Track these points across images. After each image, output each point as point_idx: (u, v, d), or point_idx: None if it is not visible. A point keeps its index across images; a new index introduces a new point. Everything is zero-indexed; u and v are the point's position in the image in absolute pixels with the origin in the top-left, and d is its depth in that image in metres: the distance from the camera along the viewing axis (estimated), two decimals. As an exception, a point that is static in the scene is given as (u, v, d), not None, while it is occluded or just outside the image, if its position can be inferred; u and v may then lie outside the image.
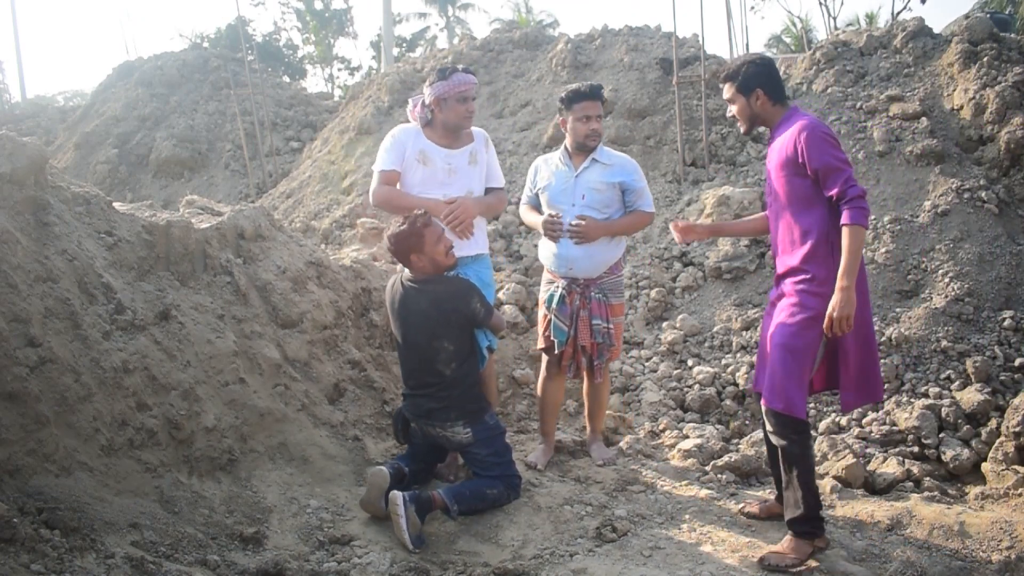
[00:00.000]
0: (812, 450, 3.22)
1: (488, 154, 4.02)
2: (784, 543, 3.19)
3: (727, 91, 3.32)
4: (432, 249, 3.52)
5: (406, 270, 3.69)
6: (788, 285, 3.19)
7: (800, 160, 3.05)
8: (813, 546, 3.15)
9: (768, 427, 3.23)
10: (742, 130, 3.38)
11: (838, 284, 2.96)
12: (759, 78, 3.22)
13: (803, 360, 3.10)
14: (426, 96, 3.82)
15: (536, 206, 4.19)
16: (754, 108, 3.25)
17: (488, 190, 4.01)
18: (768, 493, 3.73)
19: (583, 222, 3.86)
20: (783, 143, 3.14)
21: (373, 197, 3.87)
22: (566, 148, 4.05)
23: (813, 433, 4.41)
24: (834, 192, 2.99)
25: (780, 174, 3.17)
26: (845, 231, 2.96)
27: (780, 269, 3.27)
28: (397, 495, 3.29)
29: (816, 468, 3.35)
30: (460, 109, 3.79)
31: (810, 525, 3.14)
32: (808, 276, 3.10)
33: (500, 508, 3.61)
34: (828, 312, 2.97)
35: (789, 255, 3.19)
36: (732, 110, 3.35)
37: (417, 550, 3.26)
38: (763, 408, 3.22)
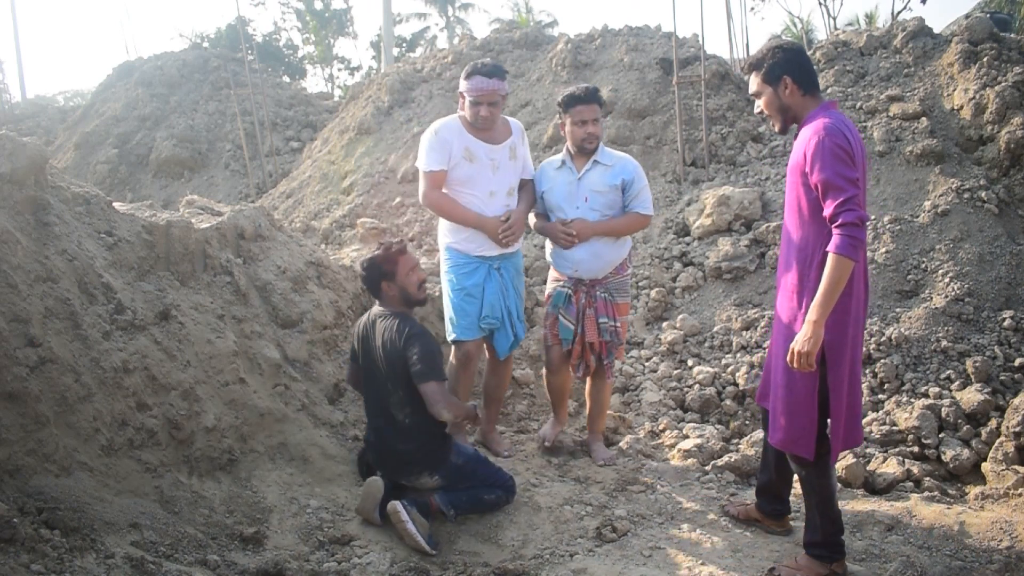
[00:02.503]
0: (831, 478, 3.02)
1: (524, 147, 4.10)
2: (800, 558, 3.09)
3: (753, 83, 3.01)
4: (404, 279, 3.42)
5: (378, 304, 3.58)
6: (780, 305, 3.03)
7: (806, 169, 2.79)
8: (829, 569, 3.01)
9: (788, 457, 3.10)
10: (775, 128, 3.05)
11: (808, 316, 2.73)
12: (787, 65, 2.90)
13: (801, 395, 2.91)
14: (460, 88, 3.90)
15: (542, 211, 4.18)
16: (784, 99, 2.92)
17: (523, 182, 4.09)
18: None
19: (573, 230, 3.88)
20: (799, 145, 2.88)
21: (425, 200, 3.89)
22: (568, 151, 4.04)
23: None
24: (828, 212, 2.71)
25: (791, 179, 2.94)
26: (828, 259, 2.68)
27: (777, 281, 3.10)
28: (396, 505, 3.25)
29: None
30: (471, 112, 3.84)
31: (827, 549, 3.02)
32: (795, 302, 2.91)
33: (501, 509, 3.62)
34: (791, 345, 2.77)
35: (783, 269, 3.02)
36: (760, 105, 3.03)
37: (435, 551, 3.23)
38: None
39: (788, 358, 2.79)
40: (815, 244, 2.84)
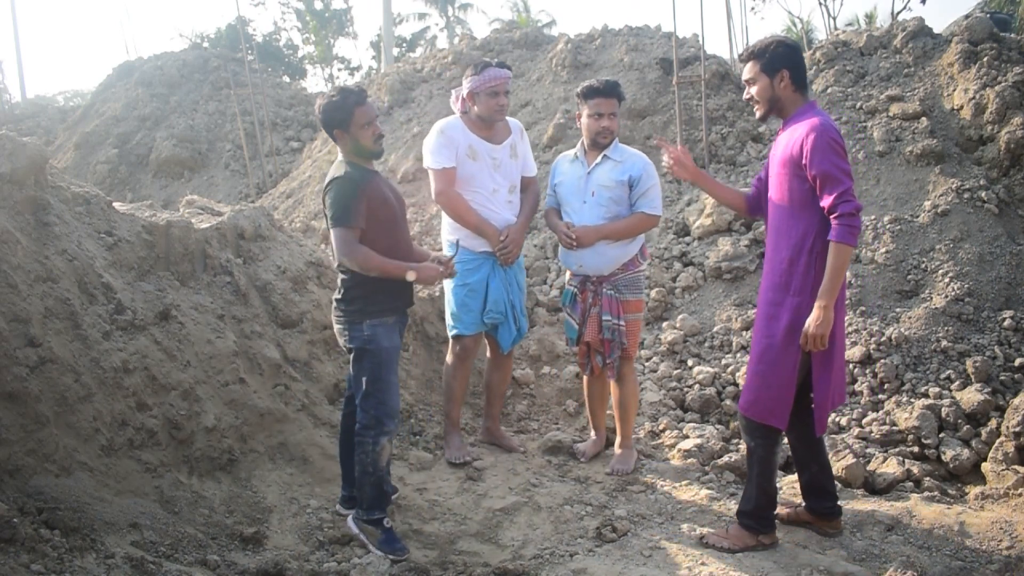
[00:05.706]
0: (776, 455, 3.24)
1: (524, 144, 4.17)
2: (730, 529, 3.30)
3: (749, 70, 3.14)
4: (358, 131, 3.21)
5: None
6: (765, 288, 3.16)
7: (803, 162, 2.93)
8: (757, 541, 3.23)
9: (740, 425, 3.26)
10: (758, 114, 3.20)
11: (817, 301, 2.90)
12: (787, 59, 3.05)
13: (779, 370, 3.07)
14: (464, 89, 3.96)
15: (556, 207, 4.17)
16: (776, 91, 3.08)
17: (524, 179, 4.16)
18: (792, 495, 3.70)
19: (574, 236, 3.87)
20: (791, 139, 3.01)
21: (441, 197, 3.95)
22: (582, 144, 4.04)
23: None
24: (827, 203, 2.88)
25: (781, 171, 3.06)
26: (831, 248, 2.87)
27: (764, 267, 3.23)
28: (348, 523, 3.36)
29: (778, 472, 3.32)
30: (491, 103, 3.90)
31: (756, 521, 3.23)
32: (783, 283, 3.05)
33: (501, 509, 3.62)
34: (804, 328, 2.93)
35: (772, 257, 3.14)
36: (751, 91, 3.16)
37: (406, 554, 3.20)
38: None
39: (801, 340, 2.95)
40: (806, 233, 2.99)
